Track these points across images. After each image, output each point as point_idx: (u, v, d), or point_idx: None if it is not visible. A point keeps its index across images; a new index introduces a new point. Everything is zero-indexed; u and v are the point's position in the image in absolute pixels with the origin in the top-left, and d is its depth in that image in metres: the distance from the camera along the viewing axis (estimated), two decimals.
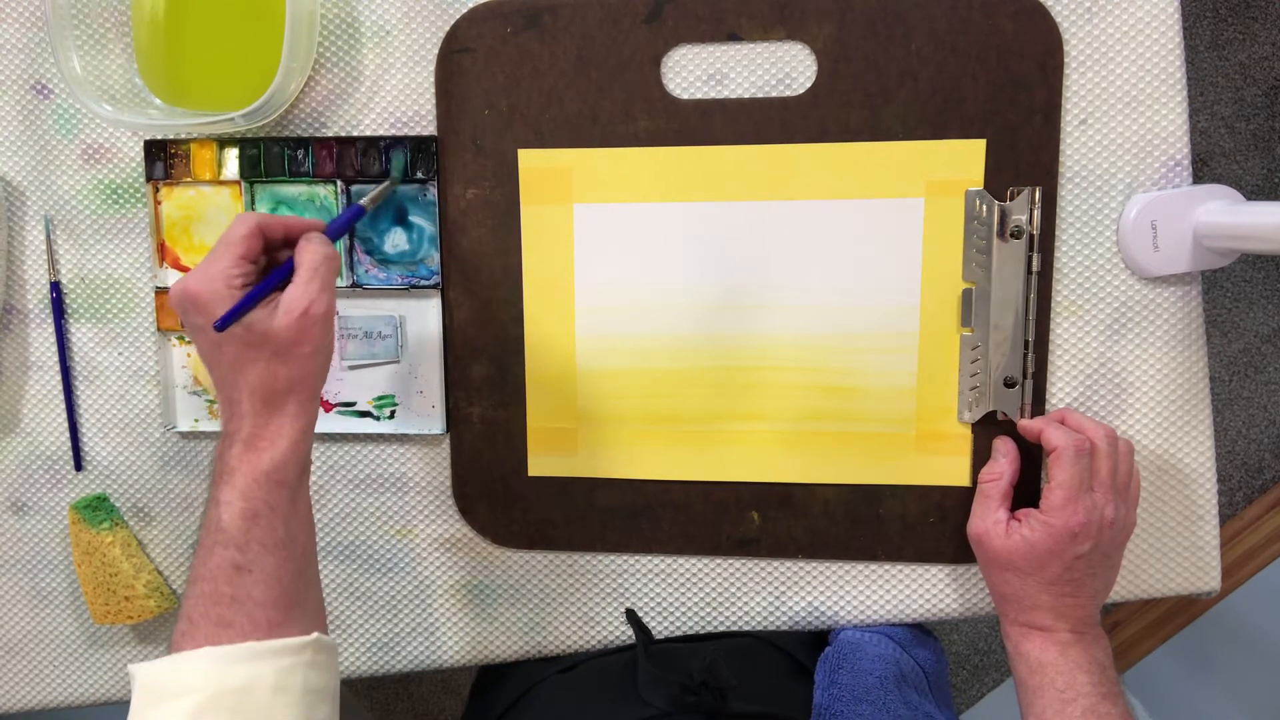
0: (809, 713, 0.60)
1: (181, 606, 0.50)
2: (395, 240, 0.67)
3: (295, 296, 0.51)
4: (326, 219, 0.66)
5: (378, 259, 0.67)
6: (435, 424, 0.68)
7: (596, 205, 0.65)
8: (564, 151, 0.64)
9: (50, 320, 0.71)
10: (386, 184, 0.64)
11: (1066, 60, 0.61)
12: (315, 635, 0.50)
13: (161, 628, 0.74)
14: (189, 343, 0.70)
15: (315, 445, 0.70)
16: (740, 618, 0.69)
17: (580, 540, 0.69)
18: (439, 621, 0.72)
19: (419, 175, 0.66)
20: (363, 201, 0.62)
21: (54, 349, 0.71)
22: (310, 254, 0.53)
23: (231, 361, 0.51)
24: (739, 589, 0.69)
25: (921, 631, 0.72)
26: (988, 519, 0.60)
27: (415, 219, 0.67)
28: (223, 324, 0.50)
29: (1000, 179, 0.62)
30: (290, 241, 0.55)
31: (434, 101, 0.66)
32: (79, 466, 0.72)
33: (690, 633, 0.70)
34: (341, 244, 0.67)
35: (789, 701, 0.62)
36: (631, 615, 0.68)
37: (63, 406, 0.72)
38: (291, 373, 0.51)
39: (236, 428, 0.51)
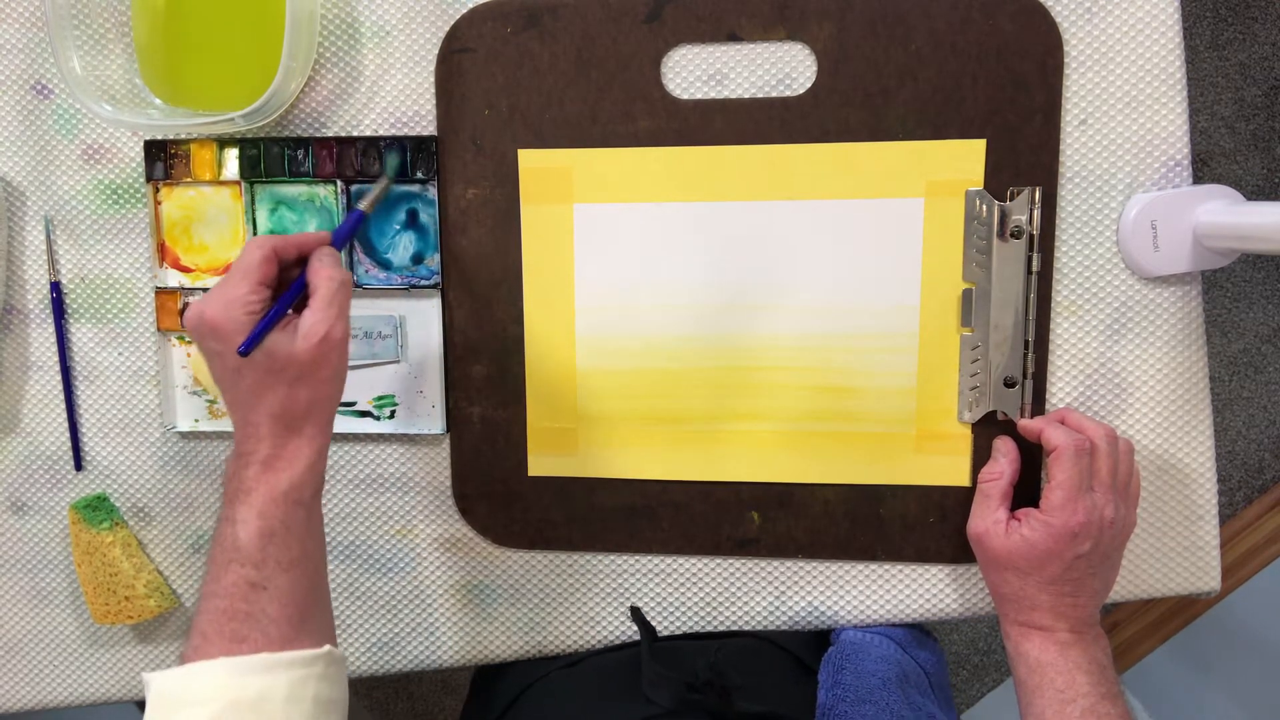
0: (812, 713, 0.60)
1: (194, 622, 0.51)
2: (395, 241, 0.67)
3: (315, 321, 0.51)
4: (327, 219, 0.67)
5: (378, 259, 0.67)
6: (435, 424, 0.68)
7: (596, 205, 0.65)
8: (564, 151, 0.64)
9: (50, 320, 0.71)
10: (381, 184, 0.64)
11: (1066, 60, 0.61)
12: (328, 648, 0.51)
13: (161, 627, 0.74)
14: (189, 343, 0.70)
15: None
16: (740, 618, 0.69)
17: (580, 540, 0.69)
18: (439, 621, 0.72)
19: (419, 175, 0.66)
20: (361, 205, 0.61)
21: (54, 349, 0.71)
22: (326, 279, 0.53)
23: (251, 386, 0.51)
24: (739, 589, 0.69)
25: (921, 633, 0.72)
26: (988, 519, 0.60)
27: (415, 219, 0.67)
28: (246, 349, 0.50)
29: (1000, 179, 0.62)
30: (301, 258, 0.55)
31: (434, 101, 0.66)
32: (79, 466, 0.72)
33: (691, 632, 0.70)
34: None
35: (792, 701, 0.62)
36: (636, 613, 0.68)
37: (63, 406, 0.72)
38: (311, 396, 0.52)
39: (253, 448, 0.52)
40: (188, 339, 0.70)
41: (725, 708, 0.58)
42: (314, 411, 0.52)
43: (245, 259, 0.52)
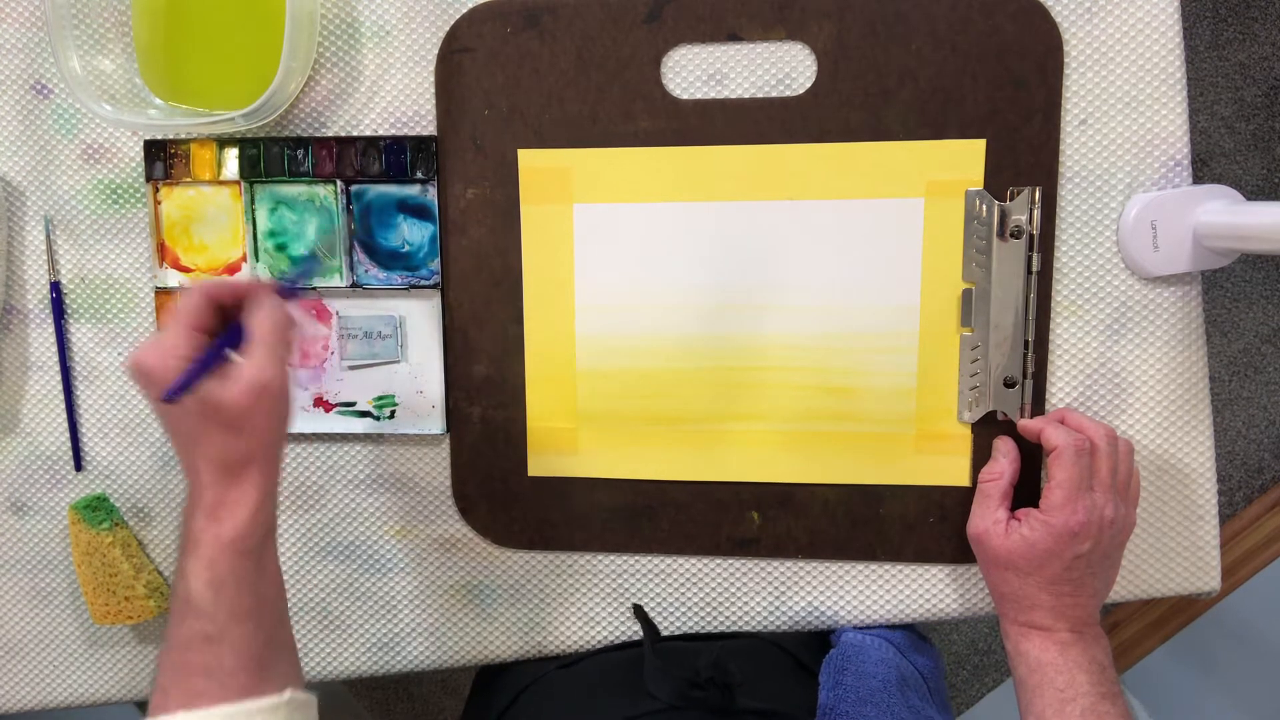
0: (813, 713, 0.60)
1: (156, 676, 0.50)
2: (395, 240, 0.67)
3: (247, 370, 0.50)
4: (327, 219, 0.67)
5: (378, 259, 0.67)
6: (435, 424, 0.68)
7: (596, 205, 0.65)
8: (564, 151, 0.64)
9: (50, 320, 0.71)
10: (311, 265, 0.66)
11: (1066, 60, 0.61)
12: (289, 694, 0.50)
13: (161, 628, 0.74)
14: None
15: (315, 445, 0.70)
16: (740, 618, 0.69)
17: (580, 540, 0.69)
18: (439, 621, 0.72)
19: (419, 175, 0.66)
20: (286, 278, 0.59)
21: (54, 349, 0.71)
22: (259, 322, 0.51)
23: (188, 433, 0.50)
24: (739, 589, 0.69)
25: (919, 638, 0.72)
26: (987, 518, 0.60)
27: (415, 219, 0.67)
28: (169, 397, 0.48)
29: (1000, 179, 0.62)
30: (243, 303, 0.53)
31: (434, 101, 0.66)
32: (79, 466, 0.72)
33: (691, 633, 0.70)
34: (341, 244, 0.67)
35: (794, 700, 0.62)
36: (639, 611, 0.68)
37: (63, 406, 0.72)
38: (248, 444, 0.50)
39: (198, 495, 0.51)
40: None
41: (727, 704, 0.58)
42: (254, 458, 0.51)
43: (181, 304, 0.51)
